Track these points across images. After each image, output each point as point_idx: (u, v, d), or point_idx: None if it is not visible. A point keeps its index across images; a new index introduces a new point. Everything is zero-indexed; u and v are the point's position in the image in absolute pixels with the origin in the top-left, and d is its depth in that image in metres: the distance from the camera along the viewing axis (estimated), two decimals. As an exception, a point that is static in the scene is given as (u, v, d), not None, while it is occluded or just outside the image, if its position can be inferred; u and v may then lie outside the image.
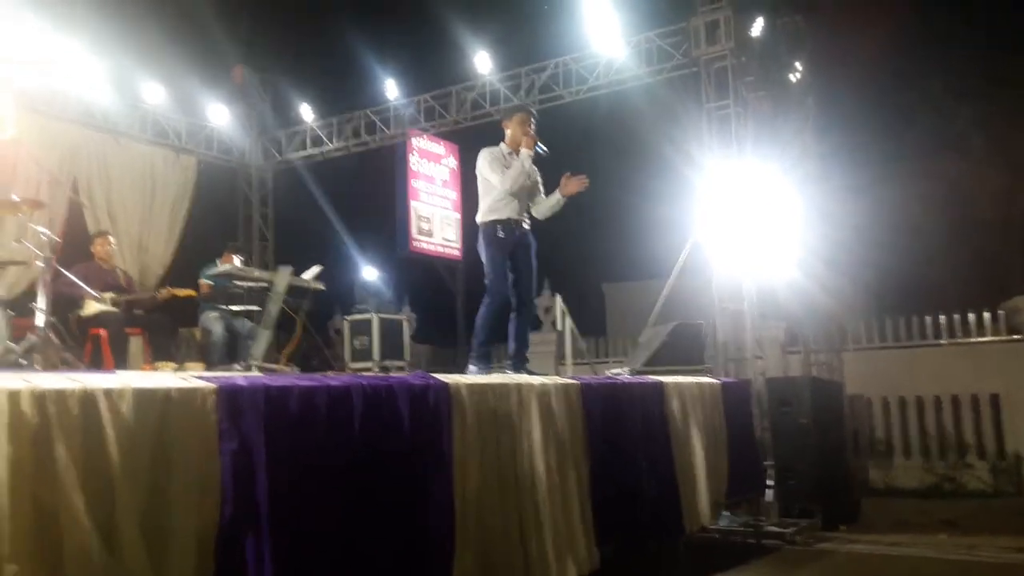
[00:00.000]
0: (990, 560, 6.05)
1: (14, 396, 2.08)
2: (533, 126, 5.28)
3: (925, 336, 9.84)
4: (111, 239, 6.97)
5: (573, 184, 5.24)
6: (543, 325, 12.23)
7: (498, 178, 5.06)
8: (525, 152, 5.12)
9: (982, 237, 14.52)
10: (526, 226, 5.27)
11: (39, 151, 8.42)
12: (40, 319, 4.84)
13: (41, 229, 5.13)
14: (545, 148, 5.22)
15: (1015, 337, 9.31)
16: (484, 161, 5.17)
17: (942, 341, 9.72)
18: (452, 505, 3.51)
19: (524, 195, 5.24)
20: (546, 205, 5.37)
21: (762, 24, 8.52)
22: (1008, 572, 5.77)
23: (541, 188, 5.42)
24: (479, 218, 5.22)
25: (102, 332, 6.06)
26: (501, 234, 5.08)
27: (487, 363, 5.18)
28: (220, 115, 11.02)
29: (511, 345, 5.29)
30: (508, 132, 5.32)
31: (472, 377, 4.09)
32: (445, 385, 3.63)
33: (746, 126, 8.09)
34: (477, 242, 5.27)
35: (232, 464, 2.61)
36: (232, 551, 2.56)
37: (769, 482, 7.22)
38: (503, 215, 5.11)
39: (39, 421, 2.12)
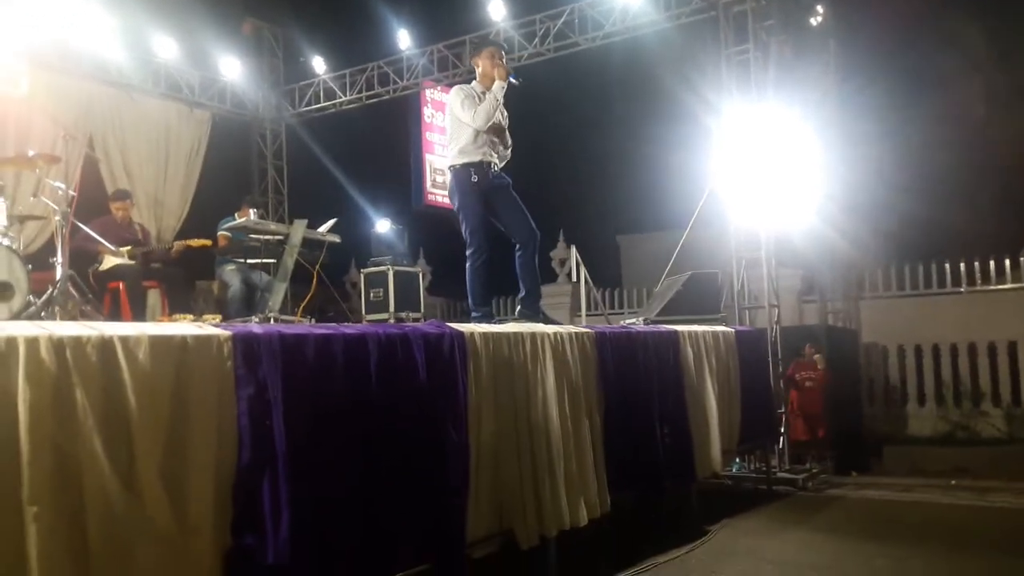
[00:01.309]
0: (1002, 505, 6.09)
1: (32, 343, 2.12)
2: (503, 60, 5.04)
3: (944, 284, 9.76)
4: (128, 203, 6.96)
5: (501, 70, 4.95)
6: (558, 277, 12.23)
7: (470, 114, 4.82)
8: (497, 84, 4.86)
9: (1006, 182, 14.26)
10: (498, 168, 5.03)
11: (53, 107, 8.43)
12: (59, 272, 4.91)
13: (57, 184, 5.17)
14: (519, 79, 5.03)
15: (1035, 284, 9.23)
16: (456, 98, 4.91)
17: (961, 289, 9.63)
18: (467, 450, 3.58)
19: (496, 134, 4.99)
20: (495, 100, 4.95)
21: (783, -35, 8.29)
22: (1018, 517, 5.81)
23: (508, 134, 5.14)
24: (449, 161, 4.97)
25: (120, 285, 6.14)
26: (475, 178, 4.85)
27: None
28: (233, 69, 10.94)
29: (521, 287, 5.07)
30: (479, 69, 5.06)
31: (487, 326, 4.11)
32: (460, 333, 3.66)
33: (766, 71, 7.93)
34: (448, 188, 5.01)
35: (249, 410, 2.66)
36: (250, 495, 2.63)
37: (782, 429, 7.27)
38: (475, 157, 4.87)
39: (57, 367, 2.16)
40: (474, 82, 5.09)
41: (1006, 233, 11.10)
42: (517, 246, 5.06)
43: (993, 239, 10.52)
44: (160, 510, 2.35)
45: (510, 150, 5.19)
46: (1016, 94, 14.15)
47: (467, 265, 4.98)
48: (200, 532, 2.47)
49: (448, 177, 5.07)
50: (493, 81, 4.91)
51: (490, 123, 4.85)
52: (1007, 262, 9.44)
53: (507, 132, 5.14)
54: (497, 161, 5.04)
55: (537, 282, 5.13)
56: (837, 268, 10.08)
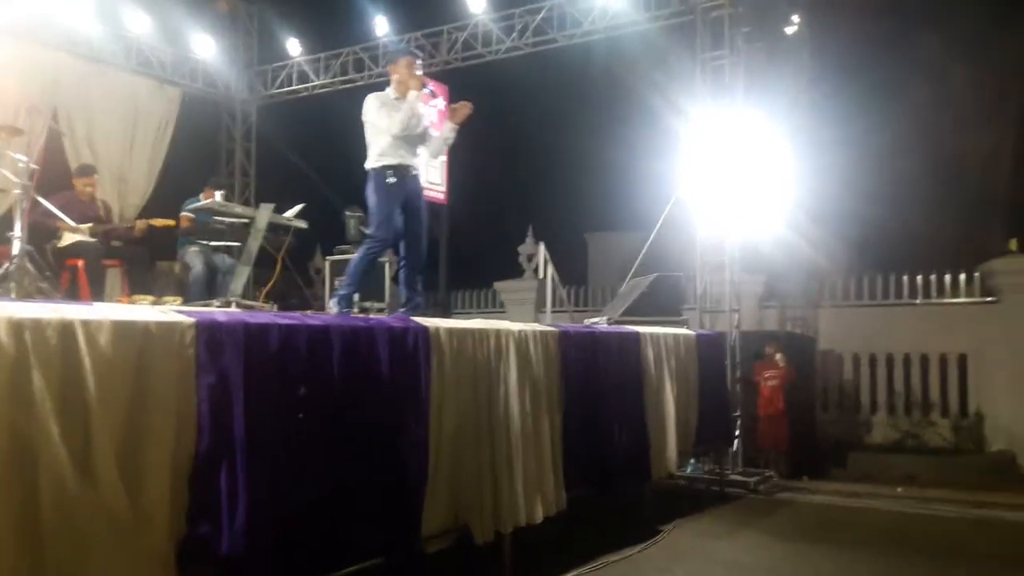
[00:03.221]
0: (944, 514, 6.28)
1: (-9, 325, 2.10)
2: (420, 70, 5.13)
3: (901, 295, 9.99)
4: (94, 179, 6.83)
5: (461, 110, 5.13)
6: (525, 272, 12.27)
7: (386, 122, 4.91)
8: (414, 94, 4.97)
9: (967, 196, 14.60)
10: (415, 172, 5.13)
11: (19, 78, 8.22)
12: (16, 247, 4.82)
13: (19, 156, 5.07)
14: (432, 91, 5.14)
15: (988, 299, 9.47)
16: (371, 105, 5.01)
17: (917, 301, 9.86)
18: (427, 444, 3.61)
19: (414, 140, 5.09)
20: (438, 140, 5.26)
21: (762, -26, 8.40)
22: (961, 525, 6.00)
23: (431, 133, 5.28)
24: (368, 164, 5.05)
25: (79, 263, 6.03)
26: (392, 179, 4.94)
27: (348, 306, 5.02)
28: (206, 47, 10.78)
29: (403, 292, 5.19)
30: (395, 77, 5.14)
31: (452, 321, 4.13)
32: (424, 328, 3.69)
33: (739, 78, 8.03)
34: (366, 188, 5.07)
35: (209, 398, 2.66)
36: (207, 483, 2.63)
37: (736, 432, 7.40)
38: (393, 160, 4.96)
39: (16, 350, 2.14)
40: (388, 89, 5.14)
41: (964, 247, 11.37)
42: (402, 259, 5.19)
43: (951, 252, 10.77)
44: (115, 496, 2.34)
45: (436, 157, 5.36)
46: (984, 110, 14.49)
47: (362, 248, 5.05)
48: (155, 519, 2.47)
49: (368, 179, 5.11)
50: (408, 90, 5.01)
51: (406, 131, 4.95)
52: (962, 276, 9.69)
53: (427, 136, 5.23)
54: (415, 165, 5.11)
55: (419, 292, 5.25)
56: (798, 275, 10.26)
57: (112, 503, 2.32)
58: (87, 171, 6.87)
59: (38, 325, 2.21)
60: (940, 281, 9.78)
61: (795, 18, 9.59)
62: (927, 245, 12.61)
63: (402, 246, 5.18)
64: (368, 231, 5.13)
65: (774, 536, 5.50)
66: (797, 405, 8.48)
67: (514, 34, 9.70)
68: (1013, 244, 9.33)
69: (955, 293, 9.76)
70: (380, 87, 11.28)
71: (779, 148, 8.12)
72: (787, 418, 8.17)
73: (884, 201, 13.19)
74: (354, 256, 5.10)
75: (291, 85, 11.35)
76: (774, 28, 9.17)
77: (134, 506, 2.40)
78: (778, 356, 8.34)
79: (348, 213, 8.56)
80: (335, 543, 3.08)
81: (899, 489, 7.30)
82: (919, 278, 9.86)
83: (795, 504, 6.63)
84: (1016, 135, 14.16)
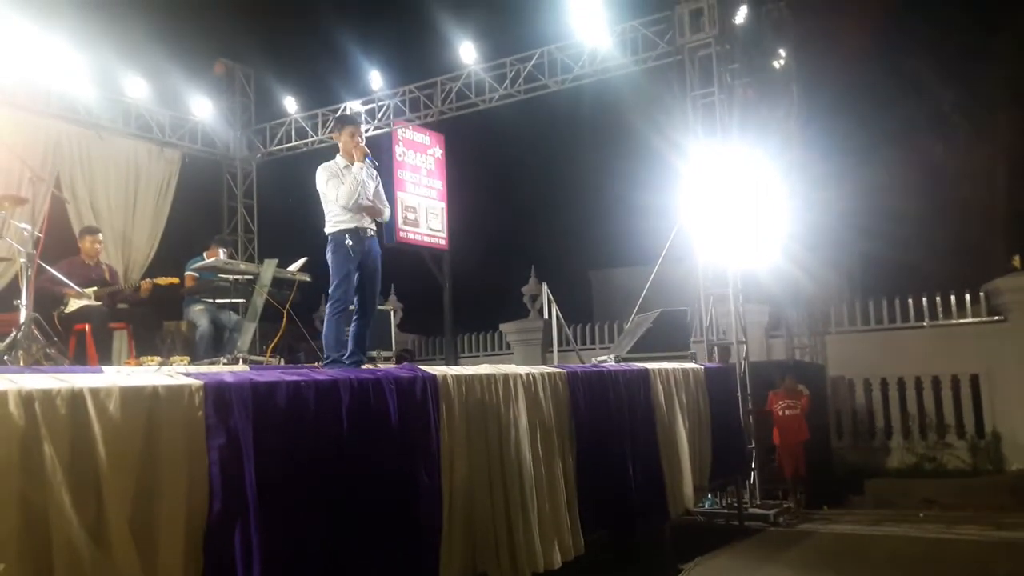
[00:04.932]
0: (969, 537, 6.18)
1: (0, 397, 2.10)
2: (363, 138, 5.35)
3: (907, 318, 9.94)
4: (100, 236, 6.93)
5: (359, 151, 5.25)
6: (530, 313, 12.27)
7: (335, 194, 5.09)
8: (357, 166, 5.16)
9: (964, 219, 14.64)
10: (372, 233, 5.28)
11: (20, 147, 8.35)
12: (23, 315, 4.85)
13: (23, 225, 5.13)
14: (375, 162, 5.31)
15: (995, 318, 9.43)
16: (321, 177, 5.18)
17: (924, 323, 9.82)
18: (440, 494, 3.57)
19: (367, 205, 5.23)
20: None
21: (746, 11, 8.55)
22: (986, 549, 5.89)
23: (383, 194, 5.42)
24: (327, 229, 5.22)
25: (86, 327, 6.05)
26: (350, 242, 5.10)
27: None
28: (204, 108, 10.97)
29: (349, 345, 5.28)
30: (340, 145, 5.33)
31: (459, 368, 4.12)
32: (432, 376, 3.68)
33: (730, 114, 8.13)
34: (326, 250, 5.22)
35: (220, 460, 2.64)
36: (221, 546, 2.60)
37: (752, 464, 7.32)
38: (351, 225, 5.13)
39: (26, 421, 2.14)
40: (338, 156, 5.31)
41: (965, 269, 11.36)
42: (355, 315, 5.30)
43: (952, 276, 10.76)
44: (130, 564, 2.31)
45: (387, 209, 5.46)
46: (974, 134, 14.61)
47: (327, 316, 5.18)
48: (170, 585, 2.44)
49: (328, 243, 5.25)
50: (353, 158, 5.20)
51: (352, 200, 5.10)
52: (967, 297, 9.66)
53: (379, 195, 5.37)
54: (371, 227, 5.27)
55: (364, 350, 5.36)
56: (802, 304, 10.24)
57: (128, 571, 2.29)
58: (92, 230, 6.98)
59: (47, 396, 2.21)
60: (946, 302, 9.74)
61: (782, 52, 9.74)
62: (929, 267, 12.62)
63: (354, 305, 5.28)
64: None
65: (797, 570, 5.41)
66: (811, 433, 8.40)
67: (506, 82, 9.86)
68: (1017, 261, 9.33)
69: (961, 314, 9.72)
70: (377, 140, 11.53)
71: (774, 181, 8.19)
72: (804, 446, 8.09)
73: (883, 225, 13.25)
74: (324, 326, 5.20)
75: (290, 142, 11.50)
76: (761, 64, 9.32)
77: (149, 572, 2.37)
78: (800, 386, 8.27)
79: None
80: (352, 601, 3.03)
81: (921, 514, 7.19)
82: (924, 300, 9.83)
83: (816, 535, 6.53)
84: (1010, 152, 14.25)
